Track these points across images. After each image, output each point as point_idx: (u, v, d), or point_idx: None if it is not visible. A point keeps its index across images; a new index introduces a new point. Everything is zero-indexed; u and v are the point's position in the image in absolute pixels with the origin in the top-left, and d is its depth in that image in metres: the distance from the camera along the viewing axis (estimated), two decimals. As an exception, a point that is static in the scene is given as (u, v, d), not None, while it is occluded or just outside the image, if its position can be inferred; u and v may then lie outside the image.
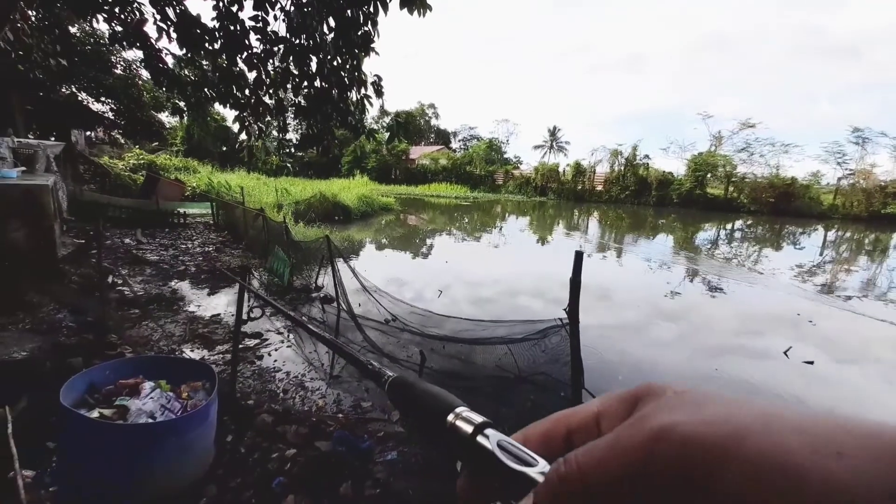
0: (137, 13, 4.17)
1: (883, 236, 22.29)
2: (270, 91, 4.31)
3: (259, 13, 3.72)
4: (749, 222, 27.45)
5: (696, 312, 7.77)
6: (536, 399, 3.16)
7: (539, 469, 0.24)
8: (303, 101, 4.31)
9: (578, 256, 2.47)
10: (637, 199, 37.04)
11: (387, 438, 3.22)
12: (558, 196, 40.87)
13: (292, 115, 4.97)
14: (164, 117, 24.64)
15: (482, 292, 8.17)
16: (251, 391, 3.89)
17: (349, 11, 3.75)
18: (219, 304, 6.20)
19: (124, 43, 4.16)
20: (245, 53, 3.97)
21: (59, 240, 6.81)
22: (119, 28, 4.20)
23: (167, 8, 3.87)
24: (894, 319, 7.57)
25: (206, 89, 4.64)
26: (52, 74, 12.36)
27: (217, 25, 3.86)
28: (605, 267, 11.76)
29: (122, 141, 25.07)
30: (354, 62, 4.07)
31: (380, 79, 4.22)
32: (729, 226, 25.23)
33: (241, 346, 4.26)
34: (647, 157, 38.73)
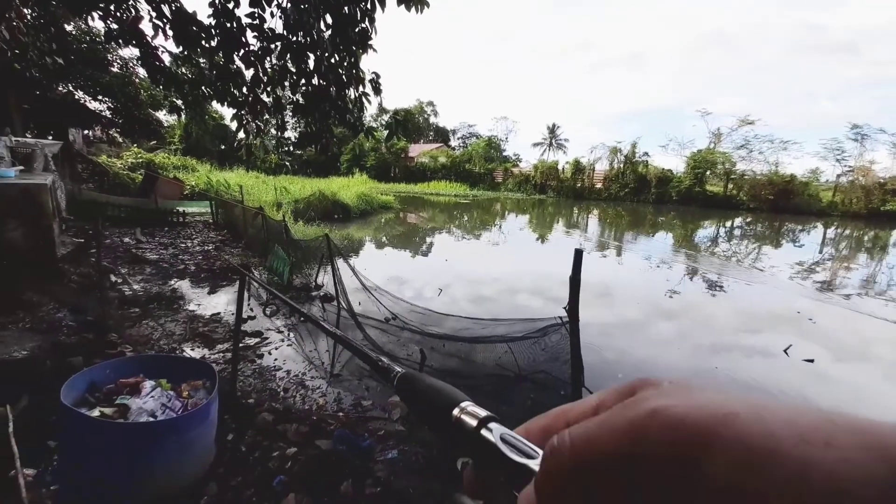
0: (133, 10, 4.13)
1: (882, 233, 22.31)
2: (268, 89, 4.29)
3: (256, 10, 3.69)
4: (748, 219, 27.45)
5: (695, 310, 7.78)
6: (536, 397, 3.16)
7: (539, 461, 0.25)
8: (301, 99, 4.29)
9: (578, 254, 2.47)
10: (636, 197, 37.01)
11: (387, 437, 3.23)
12: (557, 194, 40.83)
13: (290, 113, 4.95)
14: (162, 116, 24.61)
15: (482, 290, 8.17)
16: (252, 390, 3.90)
17: (346, 8, 3.73)
18: (219, 303, 6.19)
19: (120, 41, 4.12)
20: (242, 51, 3.95)
21: (58, 239, 6.79)
22: (115, 26, 4.16)
23: (163, 5, 3.84)
24: (894, 318, 7.59)
25: (203, 87, 4.61)
26: (49, 73, 12.30)
27: (213, 23, 3.83)
28: (604, 265, 11.76)
29: (120, 139, 24.97)
30: (352, 59, 4.05)
31: (378, 76, 4.20)
32: (728, 223, 25.23)
33: (241, 344, 4.26)
34: (646, 154, 38.65)
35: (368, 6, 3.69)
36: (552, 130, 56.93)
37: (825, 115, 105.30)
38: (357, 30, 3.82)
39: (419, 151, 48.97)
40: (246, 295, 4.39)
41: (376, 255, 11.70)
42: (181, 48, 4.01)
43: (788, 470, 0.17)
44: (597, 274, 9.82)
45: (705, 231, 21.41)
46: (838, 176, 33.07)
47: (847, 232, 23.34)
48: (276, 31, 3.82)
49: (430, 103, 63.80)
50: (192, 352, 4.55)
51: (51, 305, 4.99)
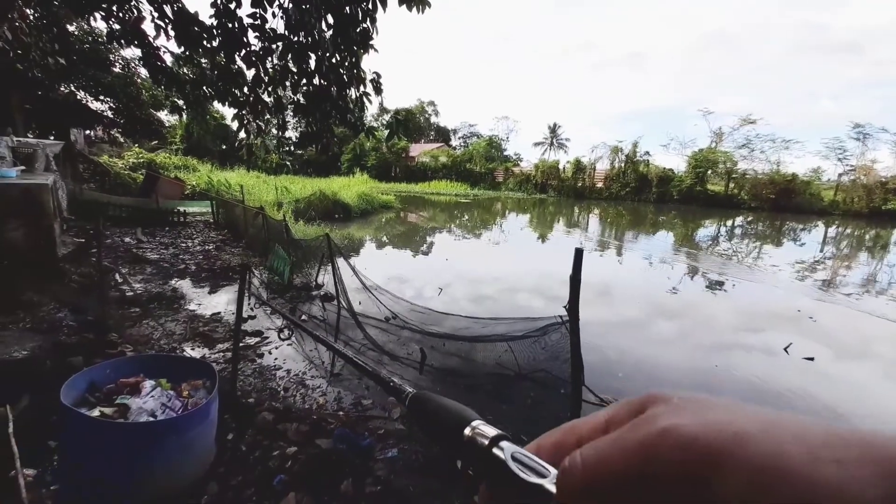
0: (135, 11, 4.14)
1: (883, 232, 22.27)
2: (269, 89, 4.29)
3: (257, 10, 3.69)
4: (749, 219, 27.41)
5: (696, 309, 7.77)
6: (536, 396, 3.16)
7: (551, 479, 0.25)
8: (302, 99, 4.29)
9: (578, 254, 2.46)
10: (637, 196, 36.99)
11: (387, 436, 3.23)
12: (558, 193, 40.82)
13: (291, 113, 4.95)
14: (164, 116, 24.64)
15: (482, 290, 8.17)
16: (252, 389, 3.90)
17: (348, 8, 3.73)
18: (219, 303, 6.20)
19: (122, 41, 4.13)
20: (243, 51, 3.95)
21: (59, 239, 6.81)
22: (117, 26, 4.17)
23: (165, 5, 3.85)
24: (894, 316, 7.57)
25: (204, 87, 4.62)
26: (51, 73, 12.34)
27: (215, 23, 3.83)
28: (605, 264, 11.75)
29: (122, 139, 25.04)
30: (353, 59, 4.05)
31: (379, 76, 4.20)
32: (729, 222, 25.20)
33: (241, 344, 4.26)
34: (647, 153, 38.67)
35: (370, 6, 3.69)
36: (553, 130, 56.89)
37: (827, 115, 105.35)
38: (358, 30, 3.83)
39: (420, 151, 48.99)
40: (246, 294, 4.39)
41: (377, 255, 11.70)
42: (183, 48, 4.01)
43: (798, 490, 0.17)
44: (597, 273, 9.82)
45: (706, 230, 21.38)
46: (840, 175, 33.06)
47: (848, 231, 23.29)
48: (278, 32, 3.83)
49: (431, 103, 63.88)
50: (193, 351, 4.56)
51: (51, 305, 5.00)
